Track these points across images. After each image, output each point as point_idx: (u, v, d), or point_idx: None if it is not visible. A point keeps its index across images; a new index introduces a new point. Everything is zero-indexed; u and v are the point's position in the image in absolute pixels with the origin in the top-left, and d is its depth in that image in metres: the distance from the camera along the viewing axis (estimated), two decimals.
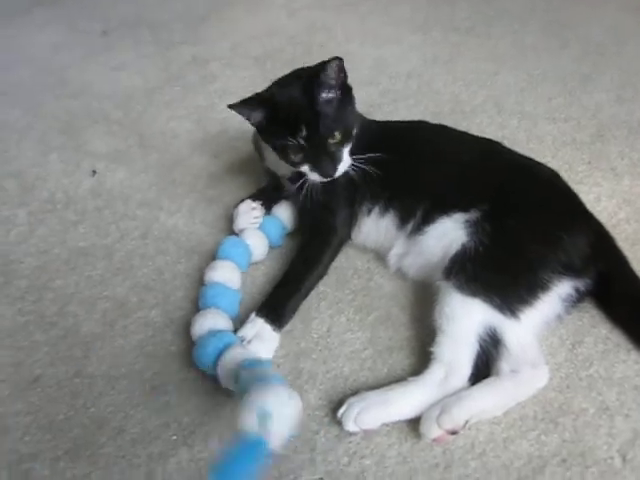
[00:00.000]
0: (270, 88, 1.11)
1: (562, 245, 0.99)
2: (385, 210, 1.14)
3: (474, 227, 1.01)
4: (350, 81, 1.12)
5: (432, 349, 0.94)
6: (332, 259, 1.15)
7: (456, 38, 2.04)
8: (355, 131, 1.12)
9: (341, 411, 0.90)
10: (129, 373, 1.01)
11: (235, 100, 1.06)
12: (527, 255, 0.97)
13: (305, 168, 1.09)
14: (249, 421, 0.69)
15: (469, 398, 0.89)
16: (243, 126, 1.17)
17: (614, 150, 1.46)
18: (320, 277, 1.12)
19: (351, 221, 1.17)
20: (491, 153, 1.17)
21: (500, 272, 0.96)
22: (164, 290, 1.17)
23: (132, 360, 1.03)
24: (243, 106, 1.06)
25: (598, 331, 1.02)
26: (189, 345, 1.03)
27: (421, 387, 0.91)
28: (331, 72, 1.04)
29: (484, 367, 0.93)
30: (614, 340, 1.01)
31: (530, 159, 1.16)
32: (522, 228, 1.00)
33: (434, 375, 0.92)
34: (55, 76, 1.98)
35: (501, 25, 2.12)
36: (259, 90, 1.10)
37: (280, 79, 1.13)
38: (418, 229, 1.09)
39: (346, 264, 1.19)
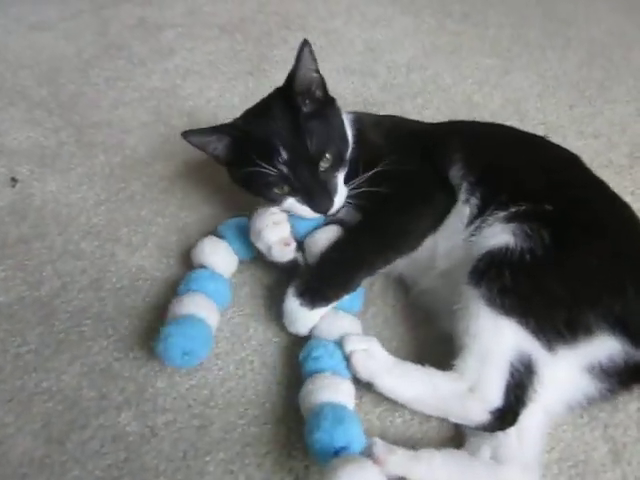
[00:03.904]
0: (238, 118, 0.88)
1: (623, 297, 0.73)
2: (470, 194, 0.84)
3: (528, 229, 0.75)
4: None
5: (454, 362, 0.73)
6: (428, 230, 0.84)
7: (453, 26, 1.72)
8: (349, 154, 0.86)
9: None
10: None
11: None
12: (581, 286, 0.73)
13: (291, 202, 0.83)
14: None
15: (423, 459, 0.67)
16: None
17: None
18: (403, 251, 0.83)
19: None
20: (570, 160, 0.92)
21: (542, 293, 0.72)
22: (135, 378, 0.78)
23: None
24: (202, 134, 0.82)
25: None
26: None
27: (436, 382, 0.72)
28: (307, 61, 0.85)
29: (514, 405, 0.69)
30: None
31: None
32: (589, 254, 0.75)
33: (453, 385, 0.71)
34: None
35: (496, 14, 1.83)
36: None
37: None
38: (478, 228, 0.81)
39: None
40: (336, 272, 0.81)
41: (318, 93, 0.87)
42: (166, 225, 0.99)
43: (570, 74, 1.57)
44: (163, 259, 0.93)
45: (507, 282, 0.72)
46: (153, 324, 0.84)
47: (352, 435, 0.65)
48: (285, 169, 0.80)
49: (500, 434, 0.69)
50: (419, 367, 0.74)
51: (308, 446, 0.66)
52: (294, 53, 0.96)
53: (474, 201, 0.83)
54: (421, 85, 1.44)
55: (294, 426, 0.73)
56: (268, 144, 0.80)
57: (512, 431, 0.70)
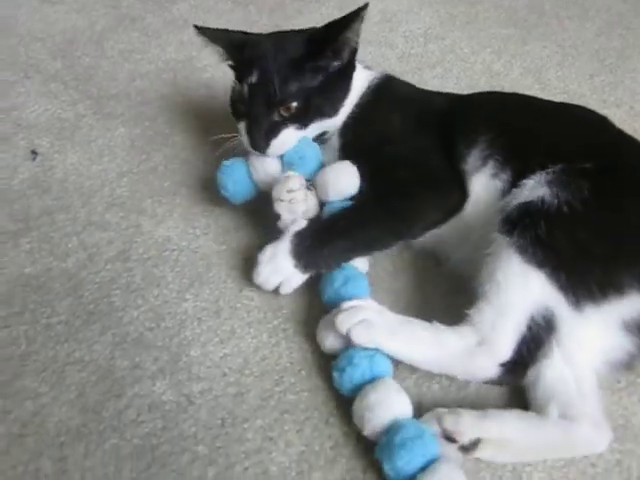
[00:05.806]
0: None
1: None
2: (500, 169, 0.81)
3: (564, 181, 0.72)
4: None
5: (468, 311, 0.71)
6: (434, 223, 0.83)
7: None
8: (333, 116, 0.87)
9: None
10: None
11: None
12: (619, 244, 0.70)
13: (241, 126, 0.85)
14: None
15: (493, 417, 0.65)
16: None
17: None
18: (404, 238, 0.84)
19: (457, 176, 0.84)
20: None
21: (578, 248, 0.69)
22: (169, 347, 0.77)
23: None
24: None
25: None
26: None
27: (443, 340, 0.70)
28: (354, 32, 0.85)
29: (526, 359, 0.69)
30: None
31: None
32: (629, 212, 0.72)
33: (463, 339, 0.69)
34: None
35: None
36: None
37: None
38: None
39: None
40: (336, 245, 0.79)
41: (344, 55, 0.86)
42: (190, 196, 0.97)
43: (589, 43, 1.53)
44: (189, 230, 0.91)
45: (541, 232, 0.68)
46: (184, 294, 0.83)
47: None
48: (247, 91, 0.83)
49: (563, 394, 0.67)
50: (427, 325, 0.71)
51: None
52: (309, 24, 0.94)
53: (504, 177, 0.80)
54: (439, 55, 1.40)
55: (331, 394, 0.72)
56: (251, 62, 0.83)
57: (573, 391, 0.67)
